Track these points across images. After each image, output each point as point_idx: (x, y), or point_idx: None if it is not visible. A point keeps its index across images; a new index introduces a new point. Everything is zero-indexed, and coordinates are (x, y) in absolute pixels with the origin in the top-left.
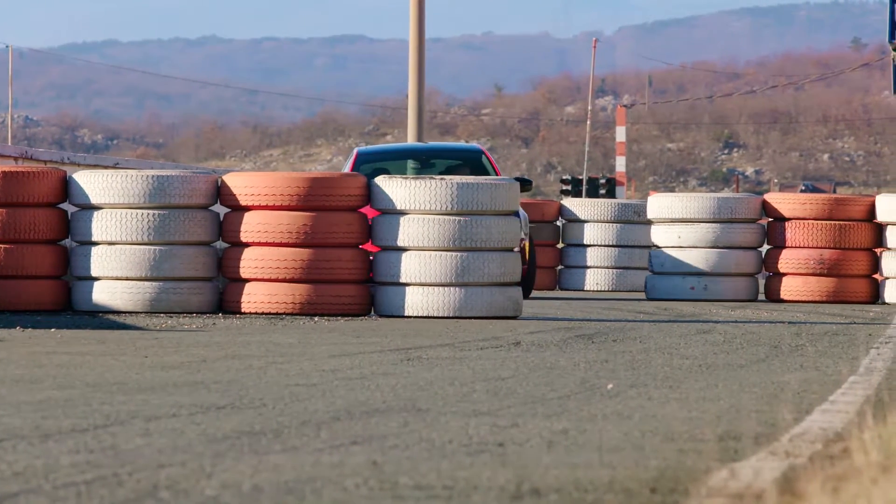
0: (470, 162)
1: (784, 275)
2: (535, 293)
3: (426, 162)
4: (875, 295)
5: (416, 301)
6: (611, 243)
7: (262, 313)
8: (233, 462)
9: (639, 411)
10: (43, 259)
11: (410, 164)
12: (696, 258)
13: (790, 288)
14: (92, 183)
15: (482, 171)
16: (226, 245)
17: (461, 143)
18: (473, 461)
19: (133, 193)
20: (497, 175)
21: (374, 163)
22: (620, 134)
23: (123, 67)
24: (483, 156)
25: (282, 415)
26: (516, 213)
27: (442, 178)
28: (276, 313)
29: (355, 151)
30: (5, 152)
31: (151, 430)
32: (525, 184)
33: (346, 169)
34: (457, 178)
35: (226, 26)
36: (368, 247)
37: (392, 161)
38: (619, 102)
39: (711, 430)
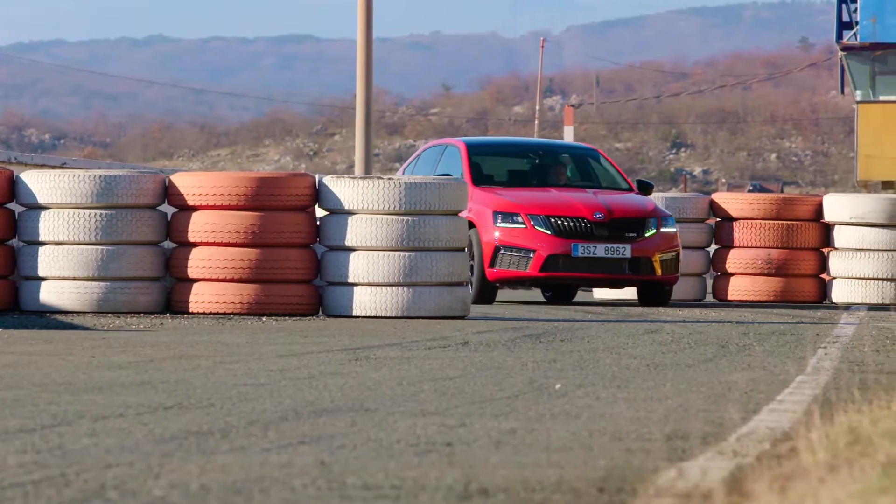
0: (589, 162)
1: (732, 275)
2: None
3: (543, 158)
4: (822, 295)
5: (364, 301)
6: None
7: (210, 313)
8: (180, 462)
9: (587, 411)
10: None
11: (527, 160)
12: None
13: (738, 288)
14: (39, 183)
15: (603, 171)
16: (174, 245)
17: (577, 143)
18: (421, 461)
19: (80, 193)
20: (623, 177)
21: (486, 156)
22: (568, 134)
23: (70, 67)
24: (602, 157)
25: (229, 415)
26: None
27: (389, 178)
28: (225, 313)
29: (462, 143)
30: None
31: (99, 431)
32: (647, 187)
33: (425, 161)
34: (404, 178)
35: (173, 26)
36: None
37: (507, 156)
38: (567, 102)
39: (659, 430)
